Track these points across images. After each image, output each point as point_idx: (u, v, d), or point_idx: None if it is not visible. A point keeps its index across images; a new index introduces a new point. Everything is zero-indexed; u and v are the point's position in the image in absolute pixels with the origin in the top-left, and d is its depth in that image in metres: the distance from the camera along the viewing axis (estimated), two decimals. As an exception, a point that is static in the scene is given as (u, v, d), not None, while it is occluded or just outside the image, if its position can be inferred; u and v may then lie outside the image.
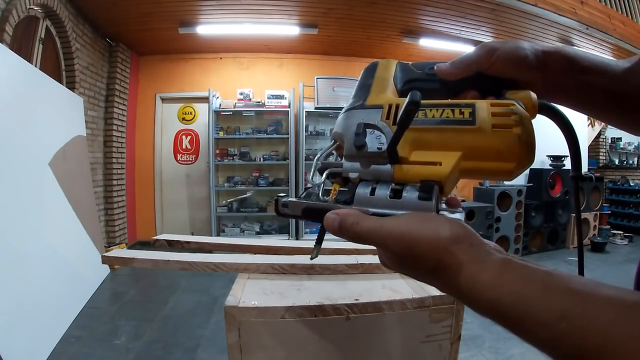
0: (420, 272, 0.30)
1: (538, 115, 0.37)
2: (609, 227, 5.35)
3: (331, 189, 0.36)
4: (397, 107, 0.34)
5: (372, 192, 0.33)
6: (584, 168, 5.53)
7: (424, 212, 0.31)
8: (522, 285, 0.25)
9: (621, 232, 5.26)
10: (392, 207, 0.32)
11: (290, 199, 0.37)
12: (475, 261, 0.27)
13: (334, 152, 0.38)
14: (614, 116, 0.45)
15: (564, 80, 0.39)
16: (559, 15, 3.81)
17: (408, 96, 0.30)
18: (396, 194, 0.32)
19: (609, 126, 6.54)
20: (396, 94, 0.37)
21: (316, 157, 0.38)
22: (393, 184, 0.33)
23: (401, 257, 0.30)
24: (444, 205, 0.33)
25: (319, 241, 0.40)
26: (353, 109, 0.36)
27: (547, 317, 0.23)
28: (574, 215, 4.77)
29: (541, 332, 0.23)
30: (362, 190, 0.33)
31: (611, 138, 6.79)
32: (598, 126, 6.27)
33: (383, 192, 0.33)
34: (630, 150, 6.99)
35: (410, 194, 0.32)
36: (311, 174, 0.38)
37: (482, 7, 3.71)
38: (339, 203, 0.35)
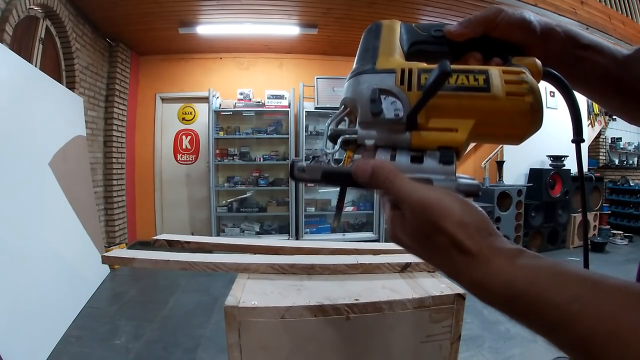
0: (434, 250, 0.30)
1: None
2: (609, 227, 5.34)
3: (344, 157, 0.36)
4: (410, 71, 0.34)
5: (393, 159, 0.33)
6: (584, 168, 5.53)
7: (456, 193, 0.31)
8: (536, 270, 0.26)
9: (621, 232, 5.26)
10: (415, 171, 0.32)
11: (307, 163, 0.36)
12: (492, 247, 0.28)
13: (345, 118, 0.37)
14: (610, 100, 0.46)
15: (564, 53, 0.40)
16: (559, 15, 3.81)
17: (438, 65, 0.30)
18: (416, 159, 0.33)
19: (609, 126, 6.55)
20: (403, 56, 0.37)
21: (327, 123, 0.37)
22: (412, 151, 0.33)
23: (420, 228, 0.30)
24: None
25: (340, 207, 0.39)
26: (363, 73, 0.35)
27: (559, 299, 0.23)
28: (573, 215, 4.81)
29: (553, 314, 0.23)
30: (382, 157, 0.34)
31: (611, 138, 6.79)
32: (598, 126, 6.27)
33: (403, 158, 0.33)
34: (630, 150, 6.99)
35: (431, 159, 0.33)
36: (324, 141, 0.37)
37: (482, 7, 3.68)
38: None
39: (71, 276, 2.78)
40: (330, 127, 0.37)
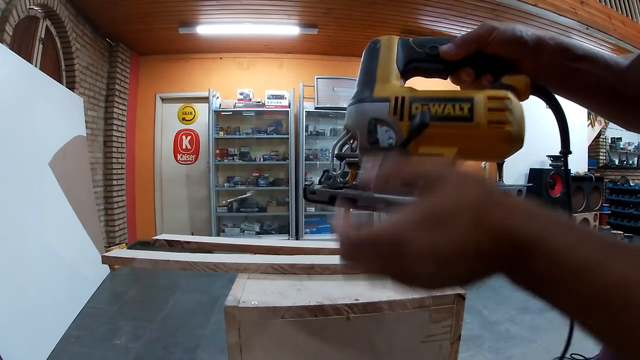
0: (456, 240, 0.24)
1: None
2: (609, 227, 5.34)
3: (349, 172, 0.42)
4: (403, 100, 0.37)
5: None
6: (584, 168, 5.53)
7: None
8: (606, 246, 0.22)
9: (621, 232, 5.26)
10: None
11: (317, 187, 0.42)
12: (537, 216, 0.24)
13: (348, 141, 0.42)
14: (606, 108, 0.46)
15: (556, 65, 0.40)
16: (559, 15, 3.81)
17: (418, 116, 0.35)
18: None
19: (609, 126, 6.54)
20: (399, 77, 0.40)
21: (332, 146, 0.43)
22: None
23: (426, 224, 0.25)
24: None
25: None
26: (362, 101, 0.39)
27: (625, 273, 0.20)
28: (574, 215, 4.81)
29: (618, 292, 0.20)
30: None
31: (611, 138, 6.78)
32: (598, 126, 6.27)
33: None
34: (630, 150, 6.98)
35: None
36: (330, 162, 0.44)
37: (482, 7, 3.71)
38: (357, 187, 0.39)
39: (71, 276, 2.78)
40: (336, 149, 0.43)
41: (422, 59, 0.41)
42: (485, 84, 0.39)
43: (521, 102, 0.37)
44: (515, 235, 0.23)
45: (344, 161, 0.41)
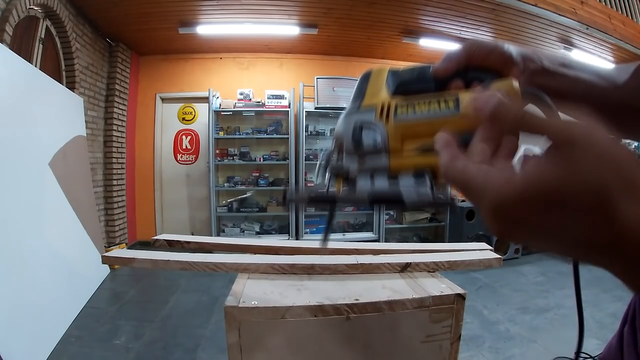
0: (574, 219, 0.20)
1: None
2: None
3: (335, 188, 0.41)
4: (389, 106, 0.38)
5: (372, 182, 0.38)
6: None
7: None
8: None
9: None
10: (390, 186, 0.37)
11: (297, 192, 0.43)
12: None
13: (335, 153, 0.42)
14: (597, 113, 0.46)
15: (544, 70, 0.41)
16: (559, 15, 3.81)
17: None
18: (393, 179, 0.37)
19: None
20: (389, 96, 0.41)
21: (320, 158, 0.43)
22: (389, 174, 0.37)
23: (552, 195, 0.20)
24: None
25: (329, 225, 0.46)
26: (350, 113, 0.40)
27: None
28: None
29: None
30: (362, 182, 0.38)
31: (611, 138, 6.78)
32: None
33: (381, 180, 0.37)
34: (630, 150, 6.97)
35: (406, 179, 0.36)
36: (315, 174, 0.43)
37: (482, 7, 3.71)
38: (342, 199, 0.40)
39: (71, 276, 2.78)
40: (322, 161, 0.43)
41: (410, 80, 0.42)
42: None
43: None
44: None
45: (328, 169, 0.41)
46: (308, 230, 4.68)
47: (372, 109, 0.39)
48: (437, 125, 0.35)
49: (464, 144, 0.33)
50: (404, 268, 0.82)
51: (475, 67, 0.40)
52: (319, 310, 0.63)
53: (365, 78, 0.43)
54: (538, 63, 0.40)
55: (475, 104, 0.26)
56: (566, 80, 0.41)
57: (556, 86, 0.41)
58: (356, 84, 0.43)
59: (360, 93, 0.42)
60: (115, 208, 4.37)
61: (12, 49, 2.59)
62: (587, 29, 4.08)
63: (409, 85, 0.41)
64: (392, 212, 4.92)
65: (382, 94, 0.40)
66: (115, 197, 4.37)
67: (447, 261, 0.84)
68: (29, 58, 2.99)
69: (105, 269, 3.45)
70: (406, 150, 0.36)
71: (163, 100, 5.08)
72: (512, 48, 0.40)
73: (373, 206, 0.37)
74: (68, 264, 2.76)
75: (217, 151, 4.69)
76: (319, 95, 4.56)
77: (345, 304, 0.64)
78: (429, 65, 0.42)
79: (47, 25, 3.31)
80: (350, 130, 0.39)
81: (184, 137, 5.14)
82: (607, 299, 2.81)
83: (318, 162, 0.43)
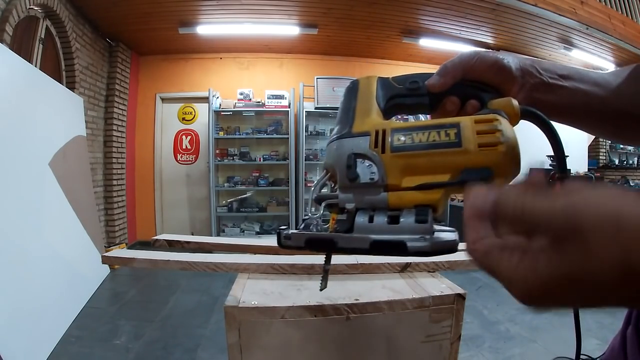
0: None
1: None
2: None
3: (330, 218, 0.37)
4: (384, 132, 0.35)
5: (371, 220, 0.34)
6: (584, 168, 5.53)
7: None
8: None
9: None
10: (391, 232, 0.33)
11: (292, 231, 0.37)
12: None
13: (327, 182, 0.39)
14: (601, 126, 0.46)
15: (543, 85, 0.40)
16: (559, 15, 3.81)
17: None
18: (393, 220, 0.33)
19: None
20: (380, 114, 0.38)
21: (312, 189, 0.38)
22: (389, 211, 0.34)
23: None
24: (435, 226, 0.33)
25: (326, 269, 0.41)
26: (341, 137, 0.36)
27: None
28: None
29: None
30: (361, 219, 0.34)
31: (611, 138, 6.77)
32: (598, 126, 6.26)
33: (381, 219, 0.33)
34: (630, 150, 6.98)
35: (407, 219, 0.33)
36: (309, 205, 0.39)
37: (482, 7, 3.71)
38: (339, 232, 0.35)
39: (71, 276, 2.78)
40: (314, 192, 0.38)
41: (403, 94, 0.39)
42: (471, 111, 0.37)
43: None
44: None
45: (323, 204, 0.37)
46: (308, 230, 4.67)
47: (366, 136, 0.35)
48: (438, 158, 0.33)
49: (465, 180, 0.31)
50: (404, 268, 0.82)
51: (472, 81, 0.38)
52: (319, 310, 0.63)
53: (353, 91, 0.39)
54: (537, 77, 0.40)
55: (471, 207, 0.25)
56: (565, 92, 0.40)
57: (555, 100, 0.40)
58: (342, 97, 0.40)
59: (350, 111, 0.38)
60: (115, 208, 4.37)
61: (12, 49, 2.59)
62: (587, 29, 4.08)
63: (402, 99, 0.39)
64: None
65: (373, 114, 0.37)
66: (115, 197, 4.37)
67: (447, 261, 0.84)
68: (29, 58, 2.99)
69: (105, 269, 3.45)
70: (405, 186, 0.34)
71: (163, 100, 5.08)
72: (511, 62, 0.38)
73: (373, 253, 0.33)
74: (68, 264, 2.76)
75: (217, 151, 4.69)
76: (319, 95, 4.56)
77: (345, 304, 0.64)
78: (422, 75, 0.39)
79: (47, 25, 3.31)
80: (343, 161, 0.35)
81: (184, 137, 5.14)
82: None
83: (310, 194, 0.38)
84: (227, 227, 4.82)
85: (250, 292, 0.68)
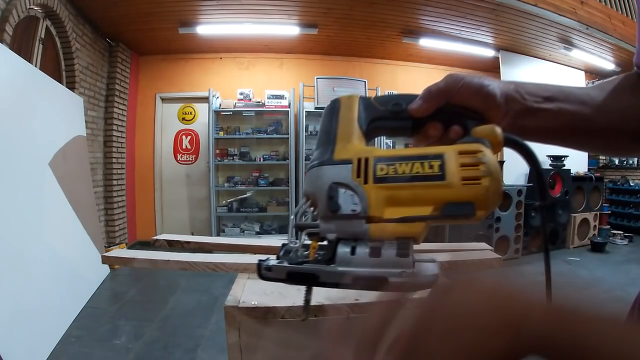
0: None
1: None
2: (609, 227, 5.34)
3: (310, 245, 0.36)
4: (367, 161, 0.34)
5: (353, 252, 0.33)
6: (584, 168, 5.53)
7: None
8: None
9: (621, 232, 5.25)
10: (372, 266, 0.32)
11: (272, 263, 0.36)
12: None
13: (308, 209, 0.38)
14: (590, 143, 0.47)
15: (527, 109, 0.40)
16: (559, 15, 3.81)
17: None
18: (375, 252, 0.33)
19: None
20: (362, 137, 0.37)
21: (291, 218, 0.38)
22: (370, 242, 0.33)
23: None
24: (416, 256, 0.33)
25: (307, 301, 0.40)
26: (322, 164, 0.36)
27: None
28: (573, 215, 4.81)
29: None
30: (343, 250, 0.34)
31: (611, 138, 6.76)
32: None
33: (362, 250, 0.33)
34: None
35: (388, 252, 0.32)
36: (288, 233, 0.38)
37: (482, 7, 3.71)
38: (320, 262, 0.34)
39: (71, 276, 2.78)
40: (294, 221, 0.38)
41: (386, 117, 0.38)
42: (454, 137, 0.37)
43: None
44: None
45: (304, 232, 0.37)
46: (308, 230, 4.67)
47: (348, 164, 0.34)
48: (421, 191, 0.33)
49: (447, 215, 0.32)
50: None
51: (456, 106, 0.38)
52: (319, 310, 0.63)
53: (334, 112, 0.38)
54: (521, 103, 0.40)
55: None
56: (549, 115, 0.41)
57: (540, 124, 0.41)
58: (322, 117, 0.39)
59: (331, 134, 0.37)
60: (115, 208, 4.37)
61: (12, 49, 2.59)
62: (587, 29, 4.08)
63: (383, 122, 0.39)
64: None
65: (355, 139, 0.36)
66: (115, 197, 4.36)
67: (447, 261, 0.84)
68: (29, 58, 2.98)
69: (105, 269, 3.45)
70: (387, 217, 0.33)
71: (163, 100, 5.08)
72: (496, 88, 0.38)
73: (355, 288, 0.33)
74: (68, 264, 2.76)
75: (217, 151, 4.69)
76: (319, 95, 4.56)
77: (345, 304, 0.64)
78: (405, 96, 0.38)
79: (47, 25, 3.31)
80: (324, 191, 0.34)
81: (184, 137, 5.13)
82: (606, 300, 2.81)
83: (290, 222, 0.38)
84: (227, 227, 4.81)
85: (250, 292, 0.68)
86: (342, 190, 0.34)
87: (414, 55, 5.00)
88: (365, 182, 0.34)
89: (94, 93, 4.07)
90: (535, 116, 0.40)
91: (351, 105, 0.38)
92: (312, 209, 0.37)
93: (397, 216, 0.33)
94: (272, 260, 0.37)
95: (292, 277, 0.36)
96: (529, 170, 4.81)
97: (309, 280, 0.35)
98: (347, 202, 0.34)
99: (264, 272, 0.37)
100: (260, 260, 0.37)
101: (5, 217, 2.14)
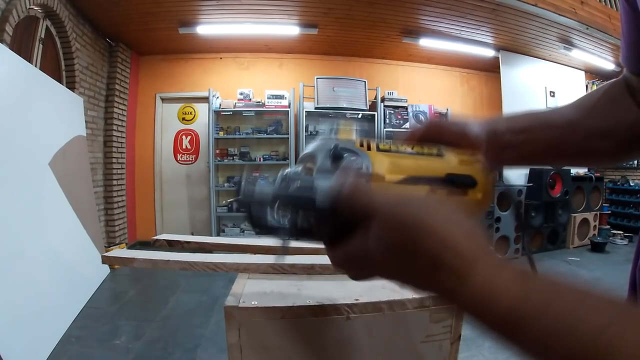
0: (415, 273, 0.26)
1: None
2: (609, 227, 5.34)
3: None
4: (369, 141, 0.36)
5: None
6: (584, 168, 5.53)
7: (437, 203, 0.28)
8: (552, 291, 0.22)
9: (621, 232, 5.26)
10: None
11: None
12: (492, 263, 0.24)
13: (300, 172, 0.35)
14: (582, 160, 0.51)
15: (508, 144, 0.44)
16: (559, 15, 3.81)
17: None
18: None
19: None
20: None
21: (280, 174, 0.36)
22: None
23: (396, 247, 0.25)
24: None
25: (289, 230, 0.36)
26: (325, 139, 0.37)
27: (592, 324, 0.20)
28: (573, 215, 4.81)
29: (580, 342, 0.20)
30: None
31: (611, 138, 6.76)
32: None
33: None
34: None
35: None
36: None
37: (482, 7, 3.71)
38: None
39: (71, 276, 2.78)
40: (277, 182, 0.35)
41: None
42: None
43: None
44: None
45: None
46: (308, 230, 4.67)
47: (351, 140, 0.35)
48: (423, 162, 0.35)
49: (451, 180, 0.34)
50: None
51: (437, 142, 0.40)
52: (319, 310, 0.63)
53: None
54: (501, 138, 0.43)
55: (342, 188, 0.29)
56: (528, 145, 0.44)
57: (519, 155, 0.44)
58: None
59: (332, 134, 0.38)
60: (115, 208, 4.37)
61: (12, 49, 2.59)
62: (587, 29, 4.08)
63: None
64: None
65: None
66: (115, 197, 4.37)
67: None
68: (29, 58, 2.98)
69: (105, 269, 3.45)
70: (390, 179, 0.33)
71: (163, 100, 5.08)
72: (478, 128, 0.41)
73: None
74: (68, 264, 2.76)
75: (217, 151, 4.69)
76: (319, 95, 4.56)
77: (345, 304, 0.64)
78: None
79: (47, 25, 3.31)
80: (327, 147, 0.34)
81: (184, 137, 5.14)
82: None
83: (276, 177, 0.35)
84: (227, 227, 4.82)
85: (250, 292, 0.68)
86: (345, 155, 0.34)
87: (414, 55, 5.00)
88: (369, 149, 0.34)
89: (94, 93, 4.07)
90: (515, 149, 0.44)
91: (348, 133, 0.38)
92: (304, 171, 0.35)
93: (400, 179, 0.34)
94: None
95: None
96: (529, 170, 4.81)
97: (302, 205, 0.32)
98: (349, 161, 0.34)
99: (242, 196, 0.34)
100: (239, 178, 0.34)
101: (5, 217, 2.14)
